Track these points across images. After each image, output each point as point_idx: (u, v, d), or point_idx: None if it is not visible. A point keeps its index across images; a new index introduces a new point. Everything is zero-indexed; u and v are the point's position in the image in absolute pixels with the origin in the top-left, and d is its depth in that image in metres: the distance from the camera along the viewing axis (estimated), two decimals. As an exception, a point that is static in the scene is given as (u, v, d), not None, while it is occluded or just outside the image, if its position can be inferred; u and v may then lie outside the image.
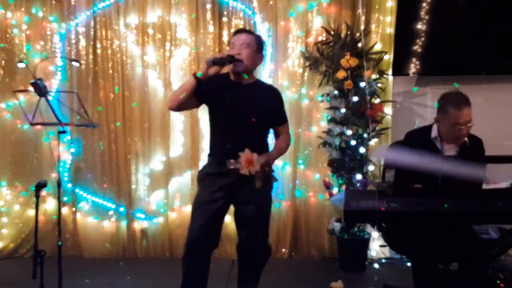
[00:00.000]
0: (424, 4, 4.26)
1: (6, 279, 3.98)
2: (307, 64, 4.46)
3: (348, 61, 4.13)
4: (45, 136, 4.50)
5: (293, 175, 4.54)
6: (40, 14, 4.51)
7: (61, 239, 3.12)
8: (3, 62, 4.53)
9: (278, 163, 4.46)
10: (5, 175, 4.58)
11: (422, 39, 4.28)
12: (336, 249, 4.40)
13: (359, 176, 4.19)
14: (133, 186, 4.59)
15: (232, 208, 2.97)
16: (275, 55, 4.53)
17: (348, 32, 4.29)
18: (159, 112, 4.55)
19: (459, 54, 4.22)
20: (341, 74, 4.16)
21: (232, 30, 4.42)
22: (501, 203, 2.63)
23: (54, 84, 4.51)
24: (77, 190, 4.58)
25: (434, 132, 3.00)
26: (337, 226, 4.24)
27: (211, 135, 2.97)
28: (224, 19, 4.51)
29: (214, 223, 2.86)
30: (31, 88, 3.11)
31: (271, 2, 4.49)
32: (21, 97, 4.24)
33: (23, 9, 4.50)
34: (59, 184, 3.11)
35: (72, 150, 4.54)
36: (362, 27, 4.33)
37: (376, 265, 4.27)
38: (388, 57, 4.42)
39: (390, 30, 4.43)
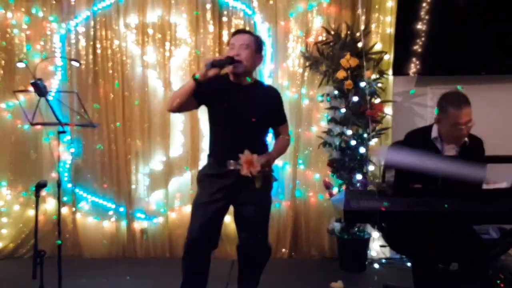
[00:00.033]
0: (424, 4, 4.26)
1: (6, 279, 3.98)
2: (307, 64, 4.45)
3: (348, 61, 4.13)
4: (45, 136, 4.50)
5: (293, 175, 4.54)
6: (40, 14, 4.51)
7: (61, 239, 3.12)
8: (3, 62, 4.53)
9: (278, 163, 4.46)
10: (5, 175, 4.58)
11: (422, 39, 4.28)
12: (336, 249, 4.40)
13: (359, 176, 4.19)
14: (133, 186, 4.59)
15: (232, 208, 2.97)
16: (275, 55, 4.53)
17: (348, 32, 4.29)
18: (159, 112, 4.55)
19: (459, 54, 4.22)
20: (341, 74, 4.16)
21: (232, 30, 4.42)
22: (501, 203, 2.63)
23: (54, 84, 4.51)
24: (77, 190, 4.58)
25: (434, 133, 3.00)
26: (337, 226, 4.24)
27: (211, 136, 2.97)
28: (224, 19, 4.50)
29: (214, 223, 2.86)
30: (31, 88, 3.11)
31: (271, 2, 4.49)
32: (21, 97, 4.23)
33: (23, 9, 4.50)
34: (59, 184, 3.12)
35: (72, 150, 4.54)
36: (362, 27, 4.33)
37: (376, 265, 4.27)
38: (388, 57, 4.42)
39: (390, 30, 4.43)
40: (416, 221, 2.74)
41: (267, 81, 4.49)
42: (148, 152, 4.59)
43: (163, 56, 4.53)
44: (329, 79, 4.33)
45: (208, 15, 4.49)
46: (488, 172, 2.84)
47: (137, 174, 4.60)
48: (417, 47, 4.30)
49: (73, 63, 4.07)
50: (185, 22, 4.51)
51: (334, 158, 4.28)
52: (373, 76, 4.26)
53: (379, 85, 4.32)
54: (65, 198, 4.50)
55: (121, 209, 4.58)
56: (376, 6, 4.44)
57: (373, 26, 4.44)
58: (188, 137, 4.57)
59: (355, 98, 4.18)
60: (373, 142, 4.29)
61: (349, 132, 4.20)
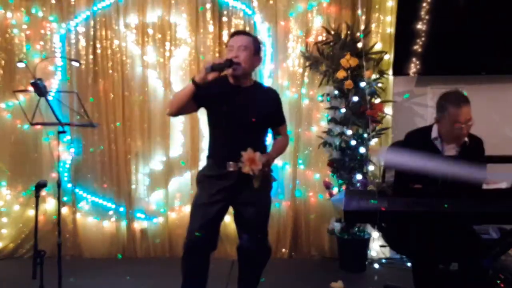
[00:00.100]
0: (424, 4, 4.25)
1: (6, 279, 3.98)
2: (307, 64, 4.45)
3: (348, 61, 4.12)
4: (45, 136, 4.50)
5: (293, 175, 4.54)
6: (40, 14, 4.51)
7: (61, 239, 3.12)
8: (3, 62, 4.53)
9: (278, 163, 4.46)
10: (5, 175, 4.58)
11: (422, 39, 4.28)
12: (336, 249, 4.40)
13: (359, 176, 4.19)
14: (133, 186, 4.59)
15: (231, 208, 2.97)
16: (275, 55, 4.53)
17: (348, 32, 4.29)
18: (159, 112, 4.55)
19: (459, 54, 4.22)
20: (341, 74, 4.16)
21: (232, 30, 4.42)
22: (501, 203, 2.63)
23: (54, 84, 4.51)
24: (77, 190, 4.58)
25: (434, 133, 3.00)
26: (337, 226, 4.24)
27: (210, 138, 2.97)
28: (224, 19, 4.50)
29: (213, 224, 2.86)
30: (31, 88, 3.11)
31: (271, 2, 4.48)
32: (21, 97, 4.23)
33: (23, 9, 4.50)
34: (59, 184, 3.11)
35: (72, 150, 4.54)
36: (362, 27, 4.33)
37: (376, 265, 4.27)
38: (388, 57, 4.42)
39: (390, 30, 4.42)
40: (416, 221, 2.74)
41: (267, 81, 4.49)
42: (148, 152, 4.59)
43: (163, 56, 4.53)
44: (329, 79, 4.33)
45: (208, 15, 4.49)
46: (488, 172, 2.84)
47: (137, 174, 4.60)
48: (417, 47, 4.30)
49: (73, 63, 4.07)
50: (185, 22, 4.51)
51: (334, 158, 4.28)
52: (373, 76, 4.26)
53: (379, 85, 4.32)
54: (65, 198, 4.50)
55: (121, 209, 4.58)
56: (376, 6, 4.44)
57: (373, 26, 4.43)
58: (188, 137, 4.57)
59: (355, 98, 4.18)
60: (373, 142, 4.29)
61: (349, 132, 4.20)
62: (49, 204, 4.58)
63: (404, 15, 4.30)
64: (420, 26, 4.27)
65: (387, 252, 4.41)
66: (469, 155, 2.92)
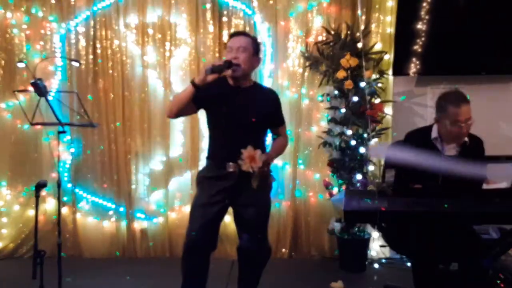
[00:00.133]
0: (424, 4, 4.25)
1: (6, 279, 3.98)
2: (307, 64, 4.45)
3: (348, 61, 4.12)
4: (45, 136, 4.50)
5: (293, 175, 4.54)
6: (40, 14, 4.51)
7: (61, 239, 3.12)
8: (3, 62, 4.53)
9: (278, 163, 4.47)
10: (5, 175, 4.58)
11: (422, 39, 4.28)
12: (336, 249, 4.40)
13: (359, 176, 4.19)
14: (133, 186, 4.59)
15: (231, 209, 2.97)
16: (275, 55, 4.53)
17: (348, 32, 4.29)
18: (159, 112, 4.55)
19: (459, 54, 4.22)
20: (341, 74, 4.16)
21: (232, 30, 4.42)
22: (501, 203, 2.63)
23: (54, 84, 4.51)
24: (77, 190, 4.58)
25: (434, 133, 3.00)
26: (337, 226, 4.24)
27: (210, 139, 2.97)
28: (224, 19, 4.50)
29: (213, 224, 2.86)
30: (31, 88, 3.11)
31: (271, 2, 4.48)
32: (21, 97, 4.23)
33: (23, 9, 4.50)
34: (59, 184, 3.11)
35: (72, 150, 4.54)
36: (362, 27, 4.33)
37: (376, 265, 4.27)
38: (388, 57, 4.42)
39: (390, 30, 4.42)
40: (416, 221, 2.74)
41: (267, 81, 4.49)
42: (148, 152, 4.59)
43: (163, 56, 4.53)
44: (329, 79, 4.33)
45: (208, 15, 4.49)
46: (488, 172, 2.84)
47: (137, 174, 4.60)
48: (417, 47, 4.30)
49: (73, 63, 4.07)
50: (185, 22, 4.51)
51: (334, 158, 4.28)
52: (373, 76, 4.26)
53: (379, 85, 4.32)
54: (65, 198, 4.50)
55: (121, 209, 4.58)
56: (376, 6, 4.44)
57: (373, 26, 4.43)
58: (188, 137, 4.57)
59: (355, 98, 4.18)
60: (373, 142, 4.29)
61: (349, 132, 4.20)
62: (49, 204, 4.58)
63: (404, 15, 4.30)
64: (420, 26, 4.27)
65: (387, 252, 4.41)
66: (469, 155, 2.92)
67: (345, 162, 4.24)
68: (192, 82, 2.73)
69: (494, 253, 2.98)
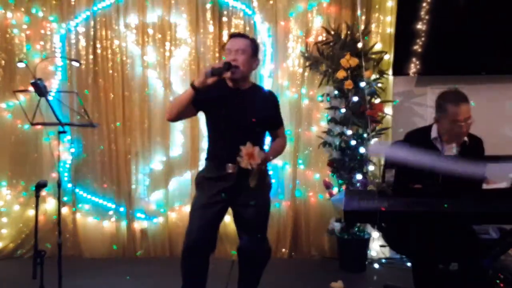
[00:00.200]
0: (424, 4, 4.26)
1: (6, 279, 3.98)
2: (307, 64, 4.45)
3: (348, 61, 4.13)
4: (45, 136, 4.50)
5: (293, 175, 4.54)
6: (40, 14, 4.51)
7: (61, 239, 3.11)
8: (3, 62, 4.53)
9: (278, 163, 4.47)
10: (5, 175, 4.58)
11: (422, 39, 4.28)
12: (336, 249, 4.40)
13: (359, 176, 4.19)
14: (133, 186, 4.59)
15: (231, 209, 2.97)
16: (275, 55, 4.53)
17: (348, 32, 4.29)
18: (159, 112, 4.55)
19: (459, 54, 4.22)
20: (341, 74, 4.16)
21: (232, 30, 4.43)
22: (501, 203, 2.63)
23: (54, 84, 4.51)
24: (77, 190, 4.58)
25: (434, 133, 3.00)
26: (337, 226, 4.24)
27: (209, 140, 2.97)
28: (224, 19, 4.51)
29: (212, 224, 2.86)
30: (31, 88, 3.11)
31: (271, 2, 4.49)
32: (22, 97, 4.23)
33: (23, 9, 4.50)
34: (59, 184, 3.11)
35: (72, 150, 4.54)
36: (362, 27, 4.32)
37: (376, 265, 4.27)
38: (388, 57, 4.42)
39: (390, 30, 4.43)
40: (416, 221, 2.74)
41: (267, 81, 4.50)
42: (148, 152, 4.59)
43: (163, 56, 4.53)
44: (329, 79, 4.33)
45: (208, 15, 4.49)
46: (488, 172, 2.83)
47: (137, 174, 4.60)
48: (417, 47, 4.30)
49: (73, 63, 4.07)
50: (185, 22, 4.51)
51: (334, 158, 4.28)
52: (373, 76, 4.26)
53: (379, 85, 4.32)
54: (65, 198, 4.50)
55: (121, 209, 4.58)
56: (376, 6, 4.44)
57: (373, 26, 4.43)
58: (188, 137, 4.57)
59: (355, 98, 4.18)
60: (373, 142, 4.29)
61: (349, 132, 4.20)
62: (49, 204, 4.58)
63: (404, 15, 4.30)
64: (420, 26, 4.28)
65: (387, 252, 4.41)
66: (469, 154, 2.91)
67: (345, 162, 4.24)
68: (192, 85, 2.73)
69: (494, 253, 2.98)
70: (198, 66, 4.48)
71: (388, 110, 4.40)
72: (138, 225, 4.60)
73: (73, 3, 4.49)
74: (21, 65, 4.02)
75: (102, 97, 4.54)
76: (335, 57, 4.26)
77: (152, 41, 4.53)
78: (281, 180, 4.53)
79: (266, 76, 4.51)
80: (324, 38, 4.45)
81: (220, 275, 3.20)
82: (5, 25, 4.50)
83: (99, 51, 4.53)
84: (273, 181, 3.01)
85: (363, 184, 4.15)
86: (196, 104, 2.81)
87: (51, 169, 4.47)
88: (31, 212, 4.49)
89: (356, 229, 4.24)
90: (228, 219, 3.93)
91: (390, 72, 4.43)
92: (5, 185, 4.59)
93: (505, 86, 4.40)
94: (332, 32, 4.34)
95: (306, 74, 4.52)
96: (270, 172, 3.35)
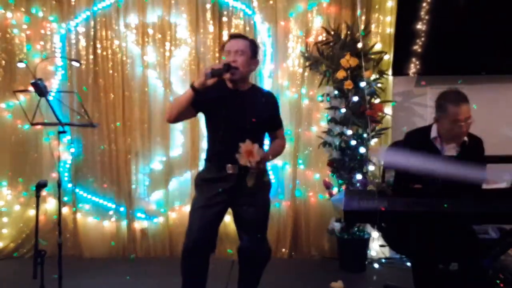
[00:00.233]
0: (424, 4, 4.26)
1: (6, 279, 3.98)
2: (307, 64, 4.45)
3: (348, 61, 4.13)
4: (45, 136, 4.50)
5: (293, 175, 4.54)
6: (40, 14, 4.51)
7: (61, 239, 3.11)
8: (3, 62, 4.53)
9: (278, 163, 4.47)
10: (5, 175, 4.58)
11: (422, 39, 4.28)
12: (336, 249, 4.40)
13: (359, 176, 4.20)
14: (133, 186, 4.59)
15: (231, 209, 2.97)
16: (275, 55, 4.53)
17: (348, 32, 4.29)
18: (159, 112, 4.55)
19: (459, 54, 4.22)
20: (341, 74, 4.16)
21: (233, 30, 4.43)
22: (501, 203, 2.63)
23: (54, 84, 4.51)
24: (77, 190, 4.58)
25: (433, 133, 3.00)
26: (337, 226, 4.24)
27: (209, 141, 2.97)
28: (224, 19, 4.51)
29: (212, 225, 2.86)
30: (31, 88, 3.11)
31: (271, 2, 4.48)
32: (22, 97, 4.23)
33: (23, 9, 4.50)
34: (59, 184, 3.11)
35: (72, 150, 4.54)
36: (362, 27, 4.33)
37: (376, 265, 4.28)
38: (388, 57, 4.42)
39: (390, 30, 4.43)
40: (416, 221, 2.74)
41: (267, 81, 4.50)
42: (148, 152, 4.59)
43: (163, 56, 4.53)
44: (329, 79, 4.34)
45: (208, 15, 4.49)
46: (488, 172, 2.84)
47: (137, 174, 4.60)
48: (417, 47, 4.30)
49: (73, 63, 4.07)
50: (185, 22, 4.51)
51: (334, 158, 4.28)
52: (373, 76, 4.26)
53: (379, 85, 4.32)
54: (65, 198, 4.50)
55: (121, 209, 4.58)
56: (376, 6, 4.44)
57: (373, 26, 4.43)
58: (188, 137, 4.57)
59: (355, 98, 4.18)
60: (373, 142, 4.29)
61: (349, 132, 4.20)
62: (50, 204, 4.58)
63: (404, 15, 4.30)
64: (420, 26, 4.28)
65: (387, 252, 4.41)
66: (469, 155, 2.92)
67: (345, 162, 4.24)
68: (192, 86, 2.73)
69: (494, 253, 2.99)
70: (198, 66, 4.48)
71: (388, 110, 4.41)
72: (138, 225, 4.60)
73: (73, 3, 4.49)
74: (21, 65, 4.02)
75: (102, 97, 4.54)
76: (335, 57, 4.26)
77: (152, 41, 4.53)
78: (281, 180, 4.53)
79: (266, 76, 4.51)
80: (324, 38, 4.45)
81: (220, 275, 3.20)
82: (5, 25, 4.50)
83: (99, 51, 4.53)
84: (273, 181, 2.99)
85: (363, 184, 4.15)
86: (196, 105, 2.81)
87: (51, 169, 4.48)
88: (31, 212, 4.49)
89: (356, 229, 4.24)
90: (228, 219, 3.93)
91: (390, 72, 4.43)
92: (6, 185, 4.59)
93: (505, 86, 4.40)
94: (332, 32, 4.34)
95: (306, 74, 4.52)
96: (270, 172, 3.35)
